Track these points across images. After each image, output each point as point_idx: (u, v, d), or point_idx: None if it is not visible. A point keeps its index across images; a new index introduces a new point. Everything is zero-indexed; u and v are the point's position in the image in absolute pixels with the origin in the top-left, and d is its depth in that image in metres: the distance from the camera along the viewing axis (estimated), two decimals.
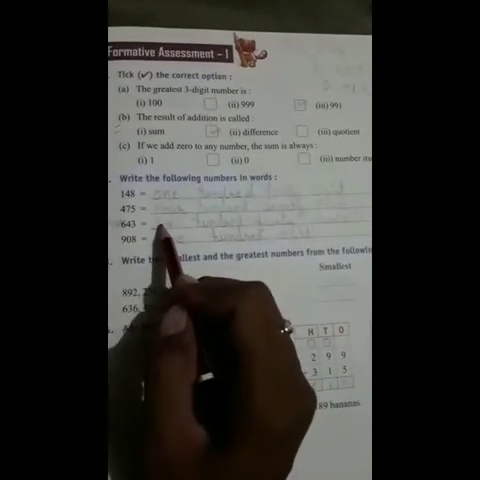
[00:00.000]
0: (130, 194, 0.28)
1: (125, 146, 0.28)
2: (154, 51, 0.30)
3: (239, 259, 0.28)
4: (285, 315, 0.22)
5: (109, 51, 0.29)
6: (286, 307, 0.23)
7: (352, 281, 0.29)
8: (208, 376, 0.23)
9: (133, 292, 0.27)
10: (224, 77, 0.30)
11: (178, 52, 0.30)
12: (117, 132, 0.28)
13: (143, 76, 0.29)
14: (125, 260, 0.27)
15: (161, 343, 0.22)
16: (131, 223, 0.27)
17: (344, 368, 0.28)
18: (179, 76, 0.30)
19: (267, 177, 0.30)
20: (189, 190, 0.28)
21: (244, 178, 0.29)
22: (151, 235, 0.28)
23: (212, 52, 0.31)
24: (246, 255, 0.29)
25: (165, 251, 0.26)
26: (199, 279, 0.24)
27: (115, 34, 0.29)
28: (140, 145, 0.28)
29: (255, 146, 0.30)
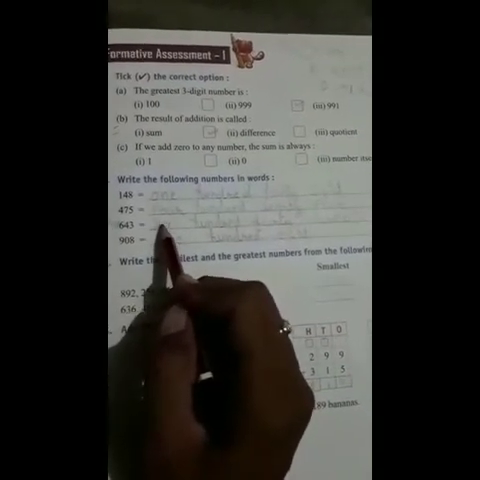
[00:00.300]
0: (128, 195, 0.28)
1: (123, 147, 0.28)
2: (151, 53, 0.30)
3: (237, 259, 0.28)
4: (283, 315, 0.23)
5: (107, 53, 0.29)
6: (284, 307, 0.23)
7: (350, 281, 0.29)
8: (207, 375, 0.23)
9: (131, 293, 0.27)
10: (221, 78, 0.30)
11: (175, 54, 0.30)
12: (115, 133, 0.28)
13: (141, 78, 0.29)
14: (123, 261, 0.27)
15: (161, 342, 0.22)
16: (129, 224, 0.28)
17: (342, 367, 0.28)
18: (176, 77, 0.30)
19: (265, 177, 0.30)
20: (187, 191, 0.29)
21: (242, 179, 0.29)
22: (149, 236, 0.28)
23: (209, 53, 0.31)
24: (244, 255, 0.29)
25: (166, 251, 0.27)
26: (199, 279, 0.24)
27: (113, 36, 0.29)
28: (138, 146, 0.29)
29: (252, 147, 0.30)
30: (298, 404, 0.21)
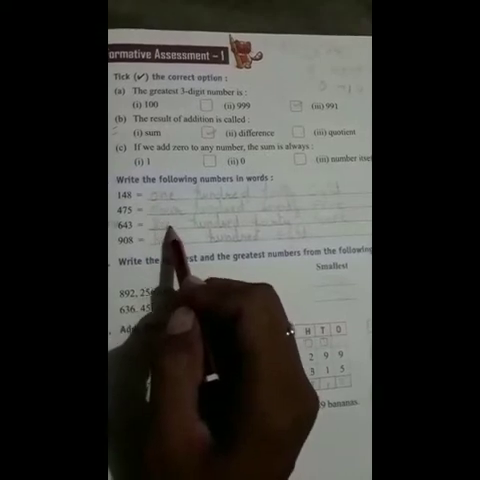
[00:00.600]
0: (127, 195, 0.28)
1: (122, 148, 0.28)
2: (150, 53, 0.30)
3: (236, 259, 0.28)
4: None
5: None
6: (283, 307, 0.23)
7: (349, 280, 0.29)
8: (213, 377, 0.23)
9: (130, 293, 0.27)
10: (220, 79, 0.31)
11: (174, 54, 0.30)
12: (114, 134, 0.28)
13: (139, 78, 0.29)
14: (122, 261, 0.27)
15: (167, 341, 0.22)
16: (128, 224, 0.28)
17: (341, 367, 0.28)
18: (175, 78, 0.30)
19: (263, 178, 0.30)
20: (186, 191, 0.29)
21: (240, 179, 0.29)
22: (148, 236, 0.28)
23: (208, 54, 0.31)
24: (243, 255, 0.29)
25: (173, 253, 0.27)
26: (206, 280, 0.24)
27: (111, 36, 0.29)
28: (136, 147, 0.29)
29: (251, 147, 0.30)
30: (303, 406, 0.21)
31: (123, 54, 0.30)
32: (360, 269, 0.29)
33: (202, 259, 0.28)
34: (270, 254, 0.29)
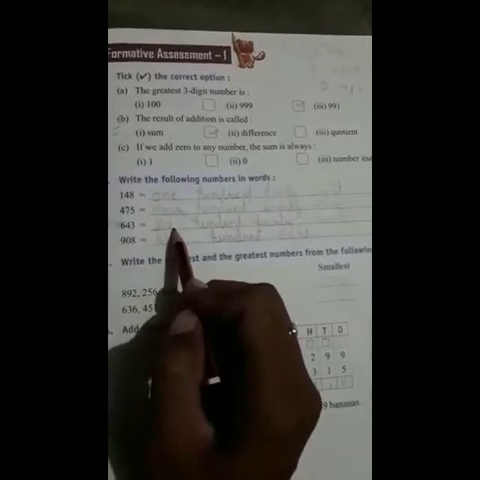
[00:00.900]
0: (129, 195, 0.28)
1: (124, 147, 0.28)
2: (153, 53, 0.30)
3: (238, 260, 0.28)
4: None
5: (108, 53, 0.29)
6: (285, 307, 0.23)
7: (351, 281, 0.29)
8: (215, 380, 0.23)
9: (132, 293, 0.27)
10: (222, 78, 0.30)
11: (176, 53, 0.30)
12: (116, 134, 0.28)
13: (142, 78, 0.29)
14: (124, 261, 0.27)
15: (169, 341, 0.22)
16: (130, 224, 0.28)
17: (343, 368, 0.28)
18: (177, 77, 0.30)
19: (265, 178, 0.30)
20: (188, 191, 0.29)
21: (243, 179, 0.29)
22: (150, 236, 0.28)
23: (210, 53, 0.31)
24: (245, 256, 0.29)
25: (177, 255, 0.27)
26: (208, 283, 0.24)
27: (114, 36, 0.29)
28: (139, 146, 0.29)
29: (253, 147, 0.30)
30: (306, 406, 0.21)
31: (125, 54, 0.29)
32: (362, 269, 0.29)
33: (204, 259, 0.28)
34: (272, 254, 0.29)
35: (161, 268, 0.27)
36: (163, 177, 0.28)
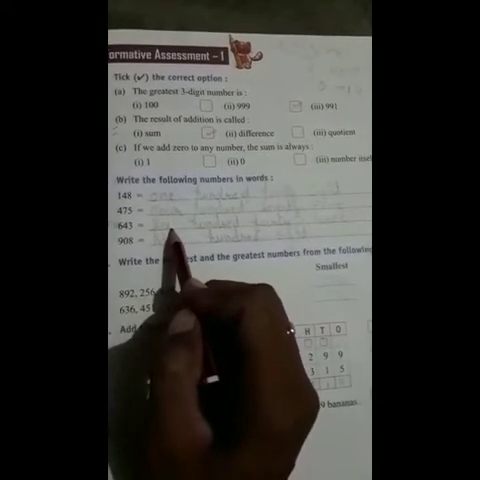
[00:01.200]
0: (127, 196, 0.28)
1: (122, 148, 0.28)
2: (150, 53, 0.30)
3: (236, 260, 0.29)
4: None
5: None
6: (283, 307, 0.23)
7: (349, 281, 0.29)
8: (214, 379, 0.23)
9: (130, 293, 0.27)
10: (220, 79, 0.31)
11: (174, 54, 0.30)
12: (114, 134, 0.28)
13: (139, 78, 0.30)
14: (122, 261, 0.27)
15: (168, 341, 0.22)
16: (128, 225, 0.28)
17: (341, 367, 0.28)
18: (175, 78, 0.30)
19: (263, 178, 0.30)
20: (185, 191, 0.29)
21: (240, 179, 0.29)
22: (148, 236, 0.28)
23: (208, 54, 0.31)
24: (243, 256, 0.29)
25: (175, 255, 0.27)
26: (207, 283, 0.24)
27: (111, 37, 0.29)
28: (136, 147, 0.29)
29: (251, 147, 0.30)
30: (304, 406, 0.21)
31: (123, 55, 0.30)
32: (360, 269, 0.29)
33: (202, 259, 0.28)
34: (270, 254, 0.29)
35: (159, 268, 0.27)
36: (161, 177, 0.28)
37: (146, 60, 0.30)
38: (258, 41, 0.31)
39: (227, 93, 0.30)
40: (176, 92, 0.30)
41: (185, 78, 0.30)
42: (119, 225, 0.27)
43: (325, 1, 0.34)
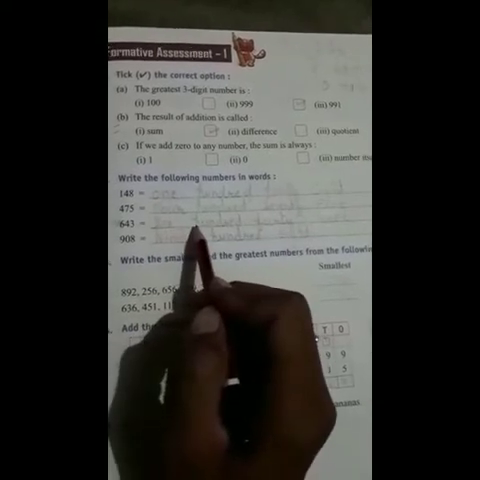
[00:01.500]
0: (129, 194, 0.28)
1: (124, 146, 0.28)
2: (152, 51, 0.30)
3: (238, 259, 0.28)
4: None
5: (108, 51, 0.29)
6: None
7: (352, 280, 0.29)
8: (233, 381, 0.22)
9: (132, 292, 0.27)
10: (222, 77, 0.30)
11: (176, 52, 0.30)
12: (116, 132, 0.28)
13: (141, 76, 0.29)
14: (124, 260, 0.27)
15: (195, 341, 0.21)
16: (130, 223, 0.27)
17: (344, 367, 0.28)
18: (177, 76, 0.30)
19: (266, 176, 0.30)
20: (188, 190, 0.28)
21: (243, 177, 0.29)
22: (150, 234, 0.28)
23: (210, 52, 0.31)
24: (245, 254, 0.28)
25: (199, 252, 0.26)
26: (231, 283, 0.24)
27: (113, 34, 0.29)
28: (139, 145, 0.28)
29: (254, 145, 0.30)
30: (323, 418, 0.21)
31: (125, 52, 0.29)
32: (363, 269, 0.29)
33: None
34: (272, 253, 0.29)
35: (161, 267, 0.27)
36: (163, 175, 0.28)
37: (148, 58, 0.30)
38: (261, 39, 0.31)
39: (230, 91, 0.30)
40: (178, 90, 0.30)
41: (187, 76, 0.30)
42: (121, 223, 0.27)
43: (327, 0, 0.33)
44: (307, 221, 0.30)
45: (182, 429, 0.19)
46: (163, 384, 0.26)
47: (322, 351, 0.28)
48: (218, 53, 0.31)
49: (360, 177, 0.30)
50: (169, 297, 0.27)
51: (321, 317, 0.29)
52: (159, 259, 0.27)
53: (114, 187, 0.28)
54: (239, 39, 0.31)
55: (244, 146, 0.30)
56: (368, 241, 0.30)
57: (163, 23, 0.30)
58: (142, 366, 0.26)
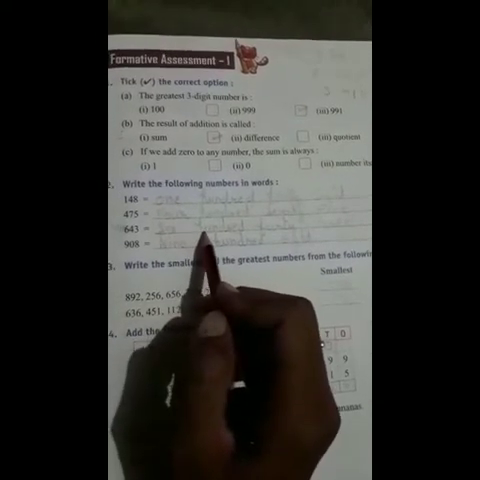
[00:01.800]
0: (133, 199, 0.28)
1: (128, 152, 0.29)
2: (156, 58, 0.30)
3: (241, 263, 0.29)
4: None
5: (112, 58, 0.29)
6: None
7: (353, 285, 0.30)
8: (239, 385, 0.23)
9: (136, 297, 0.27)
10: (225, 83, 0.31)
11: (180, 59, 0.31)
12: (120, 138, 0.29)
13: (146, 83, 0.30)
14: (128, 265, 0.27)
15: (201, 344, 0.21)
16: (134, 228, 0.28)
17: (346, 372, 0.28)
18: (181, 83, 0.30)
19: (268, 182, 0.30)
20: (191, 195, 0.29)
21: (246, 183, 0.30)
22: (154, 240, 0.28)
23: (214, 59, 0.31)
24: (248, 259, 0.29)
25: (206, 258, 0.27)
26: (237, 288, 0.24)
27: (118, 41, 0.29)
28: (143, 151, 0.29)
29: (256, 151, 0.30)
30: (328, 422, 0.21)
31: (130, 59, 0.30)
32: (364, 273, 0.29)
33: None
34: (275, 258, 0.29)
35: (165, 272, 0.27)
36: (167, 181, 0.29)
37: (152, 65, 0.30)
38: (264, 46, 0.32)
39: (233, 97, 0.31)
40: (182, 96, 0.30)
41: (191, 83, 0.30)
42: (125, 228, 0.28)
43: (329, 6, 0.34)
44: (309, 226, 0.30)
45: (188, 431, 0.20)
46: (170, 387, 0.26)
47: (324, 356, 0.28)
48: (221, 60, 0.31)
49: (361, 182, 0.31)
50: (173, 302, 0.27)
51: (323, 322, 0.28)
52: (163, 264, 0.28)
53: (118, 193, 0.28)
54: (242, 46, 0.31)
55: (247, 152, 0.30)
56: (370, 246, 0.30)
57: (167, 30, 0.31)
58: (149, 369, 0.26)
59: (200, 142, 0.29)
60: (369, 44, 0.33)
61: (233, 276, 0.25)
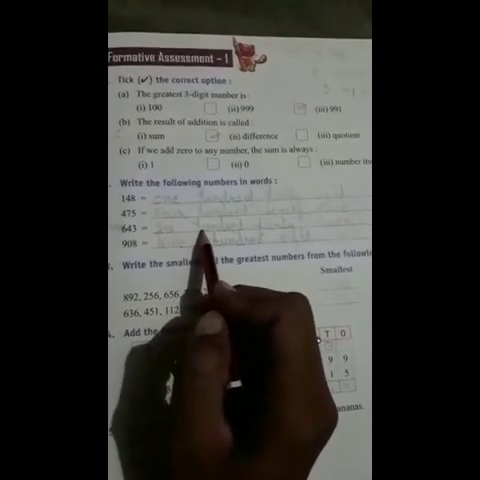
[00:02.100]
0: (131, 199, 0.28)
1: (125, 151, 0.28)
2: (154, 56, 0.30)
3: (240, 263, 0.28)
4: None
5: (109, 57, 0.29)
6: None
7: (353, 284, 0.29)
8: (237, 384, 0.23)
9: (134, 297, 0.27)
10: (224, 81, 0.31)
11: (178, 57, 0.30)
12: (117, 137, 0.28)
13: (143, 81, 0.29)
14: (126, 265, 0.27)
15: (197, 341, 0.21)
16: (132, 228, 0.28)
17: (346, 371, 0.28)
18: (179, 81, 0.30)
19: (267, 181, 0.30)
20: (189, 194, 0.29)
21: (244, 182, 0.29)
22: (152, 239, 0.28)
23: (212, 57, 0.31)
24: (247, 259, 0.29)
25: (204, 257, 0.26)
26: (234, 287, 0.24)
27: (115, 40, 0.29)
28: (140, 150, 0.29)
29: (255, 150, 0.30)
30: (325, 418, 0.21)
31: (127, 57, 0.30)
32: (364, 273, 0.29)
33: None
34: (274, 257, 0.29)
35: (163, 271, 0.27)
36: (164, 180, 0.28)
37: (150, 63, 0.30)
38: (262, 44, 0.31)
39: (231, 96, 0.30)
40: (180, 95, 0.30)
41: (189, 81, 0.30)
42: (123, 228, 0.27)
43: (328, 4, 0.34)
44: (308, 225, 0.30)
45: (185, 426, 0.20)
46: (168, 386, 0.26)
47: (324, 355, 0.28)
48: (219, 58, 0.31)
49: (361, 181, 0.30)
50: (171, 302, 0.27)
51: (323, 321, 0.29)
52: (161, 264, 0.27)
53: (116, 192, 0.28)
54: (240, 44, 0.31)
55: (245, 151, 0.30)
56: (369, 245, 0.30)
57: (164, 28, 0.30)
58: (147, 369, 0.26)
59: (198, 141, 0.29)
60: (369, 42, 0.32)
61: (232, 276, 0.25)
